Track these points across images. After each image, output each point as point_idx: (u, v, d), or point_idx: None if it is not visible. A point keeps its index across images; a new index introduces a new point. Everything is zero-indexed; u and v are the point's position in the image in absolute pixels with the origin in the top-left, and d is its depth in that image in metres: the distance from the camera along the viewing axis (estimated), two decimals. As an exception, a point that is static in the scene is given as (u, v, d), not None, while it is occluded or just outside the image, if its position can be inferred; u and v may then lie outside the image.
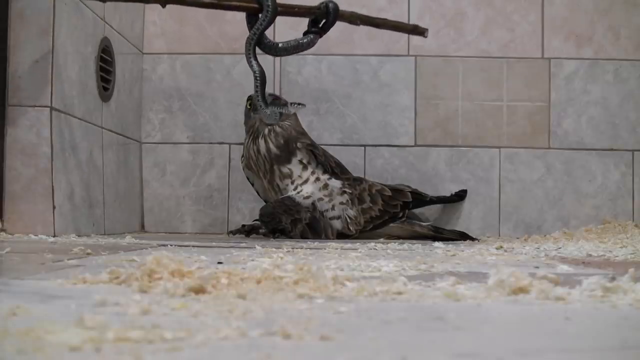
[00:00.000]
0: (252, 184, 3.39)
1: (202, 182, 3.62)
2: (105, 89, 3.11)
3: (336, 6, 2.82)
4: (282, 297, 1.06)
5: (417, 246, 2.46)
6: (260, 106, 2.85)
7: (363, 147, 3.59)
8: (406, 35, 3.59)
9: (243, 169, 3.38)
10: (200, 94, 3.62)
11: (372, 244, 2.48)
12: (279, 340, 0.78)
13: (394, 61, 3.61)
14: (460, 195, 3.53)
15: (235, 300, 1.03)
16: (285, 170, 3.19)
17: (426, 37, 2.99)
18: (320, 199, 3.15)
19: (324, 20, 2.85)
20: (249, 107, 3.24)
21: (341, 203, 3.16)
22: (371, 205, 3.20)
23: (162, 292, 1.08)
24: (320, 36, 2.83)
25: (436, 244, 2.62)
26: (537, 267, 1.61)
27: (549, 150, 3.57)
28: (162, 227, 3.60)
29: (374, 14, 3.59)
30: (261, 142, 3.19)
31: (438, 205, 3.56)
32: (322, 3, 2.85)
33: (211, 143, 3.62)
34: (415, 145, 3.58)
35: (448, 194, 3.53)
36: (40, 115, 2.57)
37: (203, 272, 1.16)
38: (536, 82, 3.58)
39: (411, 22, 3.59)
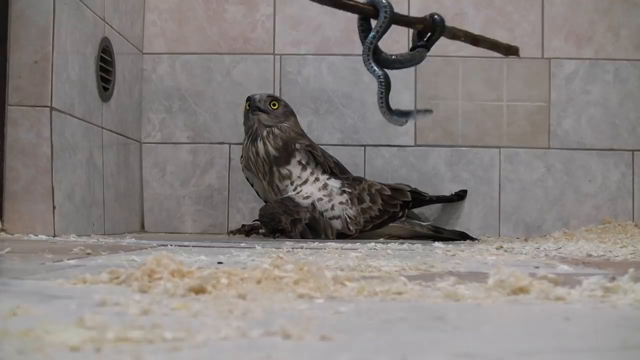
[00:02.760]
0: (252, 185, 3.39)
1: (202, 182, 3.62)
2: (105, 89, 3.11)
3: (443, 19, 2.77)
4: (282, 297, 1.06)
5: (417, 246, 2.46)
6: (385, 112, 2.72)
7: (363, 147, 3.59)
8: (406, 35, 3.59)
9: (242, 170, 3.38)
10: (200, 94, 3.62)
11: (372, 244, 2.48)
12: (279, 340, 0.78)
13: (394, 61, 3.59)
14: (460, 195, 3.53)
15: (235, 300, 1.03)
16: (284, 171, 3.19)
17: (520, 57, 2.97)
18: (320, 199, 3.15)
19: (429, 34, 2.79)
20: (247, 108, 3.24)
21: (341, 203, 3.16)
22: (371, 204, 3.20)
23: (162, 292, 1.08)
24: (428, 50, 2.78)
25: (436, 244, 2.62)
26: (537, 267, 1.61)
27: (549, 150, 3.57)
28: (162, 227, 3.60)
29: (374, 14, 3.60)
30: (260, 144, 3.19)
31: (438, 205, 3.56)
32: (429, 15, 2.81)
33: (211, 143, 3.62)
34: (415, 145, 3.58)
35: (448, 194, 3.53)
36: (40, 115, 2.57)
37: (203, 272, 1.16)
38: (536, 82, 3.58)
39: (411, 22, 3.59)
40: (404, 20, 2.69)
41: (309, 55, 3.61)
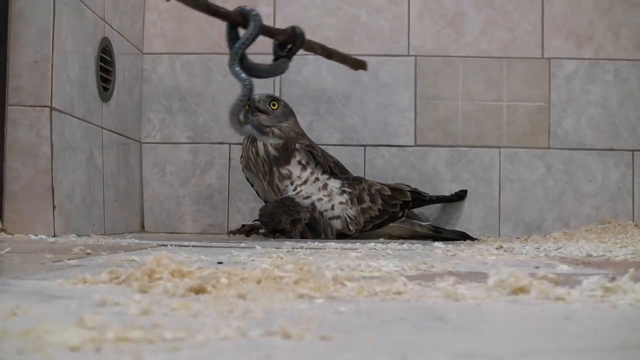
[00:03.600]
0: (252, 185, 3.39)
1: (202, 182, 3.62)
2: (105, 89, 3.11)
3: (303, 32, 2.82)
4: (282, 297, 1.06)
5: (417, 246, 2.46)
6: (235, 119, 2.73)
7: (363, 147, 3.59)
8: (406, 35, 3.59)
9: (242, 170, 3.38)
10: (200, 94, 3.62)
11: (372, 244, 2.48)
12: (279, 340, 0.77)
13: (394, 61, 3.61)
14: (461, 195, 3.53)
15: (235, 300, 1.03)
16: (284, 171, 3.20)
17: (366, 70, 3.01)
18: (320, 199, 3.15)
19: (290, 45, 2.83)
20: (247, 108, 3.24)
21: (341, 203, 3.16)
22: (371, 204, 3.20)
23: (162, 292, 1.08)
24: (290, 60, 2.83)
25: (436, 244, 2.62)
26: (537, 267, 1.61)
27: (549, 150, 3.57)
28: (162, 227, 3.60)
29: (373, 14, 3.61)
30: (260, 144, 3.20)
31: (438, 205, 3.56)
32: (291, 27, 2.84)
33: (211, 143, 3.62)
34: (415, 145, 3.58)
35: (448, 194, 3.53)
36: (40, 115, 2.57)
37: (203, 272, 1.16)
38: (536, 82, 3.58)
39: (411, 23, 3.60)
40: (269, 31, 2.75)
41: (309, 55, 3.60)
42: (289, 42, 2.77)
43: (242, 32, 2.70)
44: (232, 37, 2.75)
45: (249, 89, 2.62)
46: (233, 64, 2.66)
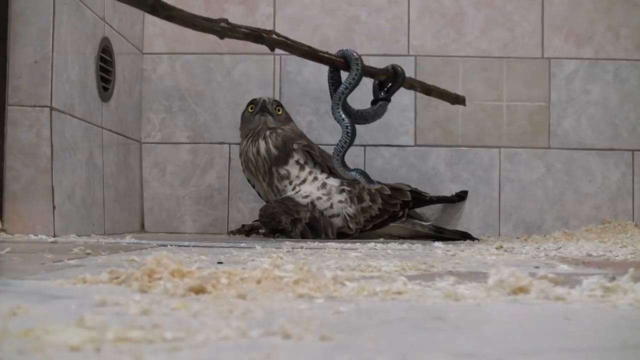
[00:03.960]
0: (253, 186, 3.40)
1: (202, 182, 3.62)
2: (105, 89, 3.11)
3: (403, 70, 2.80)
4: (282, 297, 1.06)
5: (417, 246, 2.46)
6: (339, 163, 2.69)
7: (363, 147, 3.59)
8: (406, 35, 3.59)
9: (243, 171, 3.38)
10: (200, 94, 3.62)
11: (372, 244, 2.48)
12: (279, 340, 0.77)
13: (394, 61, 3.59)
14: (461, 196, 3.53)
15: (235, 300, 1.03)
16: (282, 171, 3.21)
17: (465, 105, 3.02)
18: (319, 198, 3.15)
19: (389, 84, 2.81)
20: (250, 110, 3.26)
21: (340, 201, 3.17)
22: (370, 204, 3.20)
23: (162, 292, 1.08)
24: (389, 102, 2.81)
25: (436, 244, 2.62)
26: (537, 267, 1.61)
27: (549, 150, 3.57)
28: (162, 227, 3.60)
29: (373, 13, 3.61)
30: (261, 142, 3.21)
31: (438, 205, 3.56)
32: (391, 66, 2.80)
33: (211, 143, 3.62)
34: (415, 145, 3.58)
35: (448, 194, 3.53)
36: (40, 115, 2.57)
37: (203, 272, 1.16)
38: (536, 82, 3.58)
39: (411, 23, 3.60)
40: (369, 72, 2.75)
41: (309, 55, 3.60)
42: (389, 81, 2.77)
43: (344, 74, 2.72)
44: (334, 80, 2.74)
45: (350, 135, 2.62)
46: (337, 108, 2.65)
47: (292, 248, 2.21)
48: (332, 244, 2.48)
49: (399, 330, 0.87)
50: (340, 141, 2.67)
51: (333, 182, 3.20)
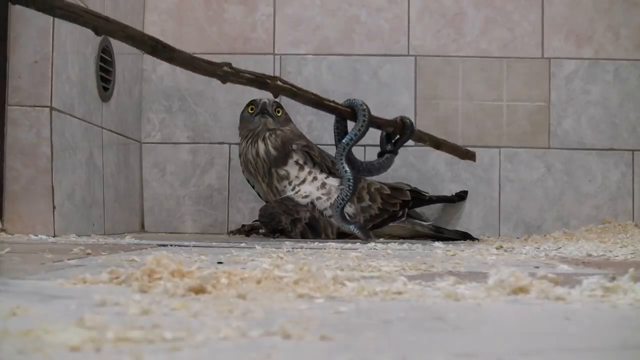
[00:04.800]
0: (253, 187, 3.40)
1: (202, 182, 3.62)
2: (105, 89, 3.11)
3: (412, 123, 2.74)
4: (282, 297, 1.06)
5: (417, 246, 2.46)
6: (338, 214, 2.65)
7: (363, 147, 3.59)
8: (406, 35, 3.60)
9: (243, 172, 3.38)
10: (200, 94, 3.62)
11: (372, 244, 2.48)
12: (279, 340, 0.77)
13: (393, 61, 3.61)
14: (461, 196, 3.53)
15: (235, 300, 1.03)
16: (282, 172, 3.21)
17: (475, 161, 3.00)
18: (319, 198, 3.16)
19: (397, 137, 2.74)
20: (250, 111, 3.26)
21: (340, 202, 3.17)
22: (370, 203, 3.20)
23: (162, 292, 1.08)
24: (396, 155, 2.74)
25: (436, 243, 2.62)
26: (537, 267, 1.61)
27: (549, 150, 3.57)
28: (162, 227, 3.60)
29: (373, 14, 3.61)
30: (261, 144, 3.22)
31: (438, 205, 3.56)
32: (399, 118, 2.76)
33: (211, 143, 3.62)
34: (415, 145, 3.58)
35: (448, 194, 3.53)
36: (40, 115, 2.57)
37: (203, 272, 1.16)
38: (536, 82, 3.58)
39: (411, 23, 3.60)
40: (377, 123, 2.69)
41: (309, 55, 3.61)
42: (397, 133, 2.72)
43: (350, 124, 2.66)
44: (340, 130, 2.67)
45: (352, 188, 2.58)
46: (340, 159, 2.60)
47: (292, 248, 2.21)
48: (332, 244, 2.48)
49: (399, 330, 0.87)
50: (341, 193, 2.63)
51: (333, 181, 3.20)
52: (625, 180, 3.55)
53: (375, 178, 3.39)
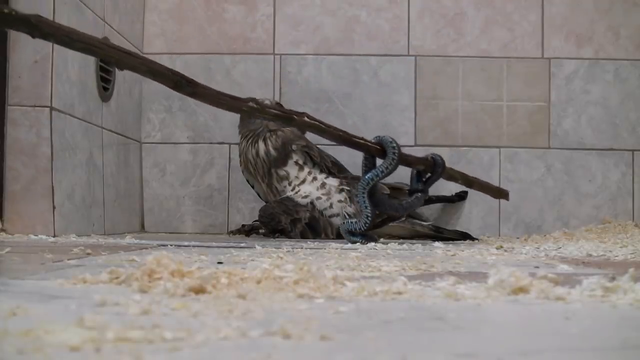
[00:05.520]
0: (252, 187, 3.40)
1: (202, 182, 3.62)
2: (105, 89, 3.11)
3: (443, 161, 2.67)
4: (282, 297, 1.06)
5: (417, 246, 2.46)
6: (350, 238, 2.59)
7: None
8: (406, 35, 3.60)
9: (242, 172, 3.38)
10: (200, 94, 3.62)
11: (372, 244, 2.48)
12: (279, 340, 0.77)
13: (393, 61, 3.61)
14: (461, 196, 3.53)
15: (235, 300, 1.03)
16: (282, 172, 3.21)
17: (508, 200, 2.94)
18: (319, 198, 3.16)
19: (428, 175, 2.67)
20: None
21: (339, 201, 3.17)
22: (370, 204, 3.20)
23: (162, 292, 1.08)
24: (426, 194, 2.67)
25: (436, 244, 2.62)
26: (537, 267, 1.61)
27: (549, 150, 3.57)
28: (162, 227, 3.60)
29: (373, 14, 3.61)
30: (261, 144, 3.22)
31: (438, 205, 3.56)
32: (430, 155, 2.70)
33: (211, 143, 3.62)
34: (415, 145, 3.58)
35: (449, 194, 3.53)
36: (40, 115, 2.57)
37: (203, 272, 1.16)
38: (536, 82, 3.58)
39: (411, 23, 3.60)
40: (407, 160, 2.61)
41: (309, 55, 3.61)
42: (428, 171, 2.66)
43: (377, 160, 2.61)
44: (368, 167, 2.60)
45: (368, 223, 2.50)
46: (362, 193, 2.53)
47: (292, 248, 2.21)
48: (332, 244, 2.48)
49: (399, 330, 0.87)
50: (356, 221, 2.56)
51: (332, 181, 3.20)
52: (625, 180, 3.55)
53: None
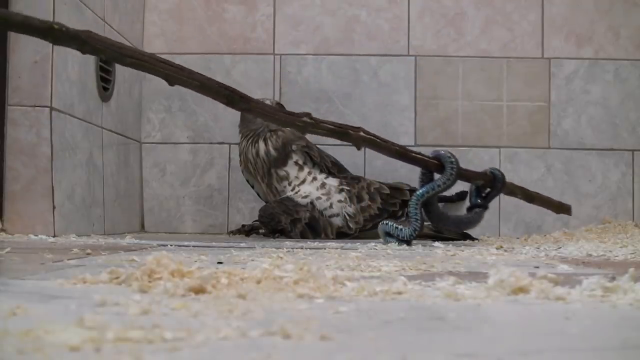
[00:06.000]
0: (252, 187, 3.40)
1: (202, 182, 3.62)
2: (105, 89, 3.11)
3: (503, 175, 2.62)
4: (282, 297, 1.06)
5: (417, 246, 2.46)
6: (385, 237, 2.54)
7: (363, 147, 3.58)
8: (406, 35, 3.60)
9: (242, 172, 3.38)
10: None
11: (372, 244, 2.48)
12: (279, 340, 0.77)
13: (393, 61, 3.61)
14: (461, 196, 3.53)
15: (235, 300, 1.03)
16: (282, 172, 3.21)
17: (570, 215, 2.89)
18: (319, 198, 3.16)
19: (487, 190, 2.63)
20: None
21: (339, 201, 3.17)
22: (370, 203, 3.20)
23: (162, 292, 1.08)
24: (486, 209, 2.62)
25: (436, 243, 2.62)
26: (537, 267, 1.61)
27: (549, 150, 3.57)
28: (162, 227, 3.60)
29: (373, 14, 3.61)
30: (261, 144, 3.21)
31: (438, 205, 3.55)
32: (489, 170, 2.65)
33: (211, 143, 3.62)
34: (415, 145, 3.58)
35: (448, 194, 3.52)
36: (40, 115, 2.57)
37: (203, 272, 1.16)
38: (536, 82, 3.58)
39: (411, 23, 3.60)
40: (465, 175, 2.56)
41: (309, 55, 3.61)
42: (487, 186, 2.61)
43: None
44: (425, 180, 2.58)
45: (413, 234, 2.44)
46: (415, 205, 2.49)
47: (292, 248, 2.21)
48: (332, 244, 2.47)
49: (399, 330, 0.87)
50: (401, 228, 2.48)
51: (332, 181, 3.20)
52: (625, 180, 3.55)
53: (374, 178, 3.39)
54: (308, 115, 2.33)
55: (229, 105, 2.17)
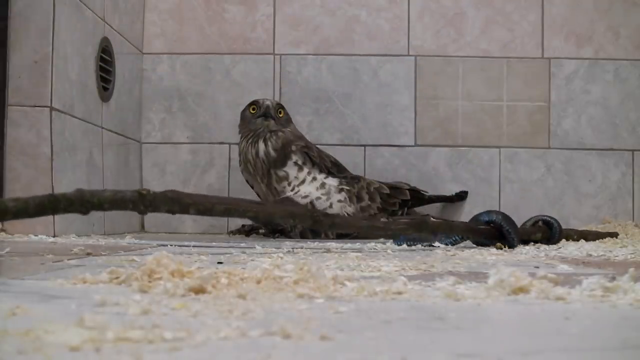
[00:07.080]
0: (252, 187, 3.40)
1: (202, 182, 3.62)
2: (105, 89, 3.11)
3: (557, 222, 2.57)
4: (282, 297, 1.06)
5: (417, 246, 2.46)
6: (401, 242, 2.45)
7: (363, 147, 3.59)
8: (406, 35, 3.60)
9: (242, 172, 3.38)
10: (200, 94, 3.62)
11: (372, 244, 2.48)
12: (279, 340, 0.77)
13: (393, 61, 3.61)
14: (461, 196, 3.53)
15: (235, 300, 1.03)
16: (281, 173, 3.21)
17: (617, 238, 2.82)
18: (318, 198, 3.16)
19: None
20: (252, 111, 3.25)
21: (339, 201, 3.17)
22: (370, 203, 3.20)
23: (162, 292, 1.08)
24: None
25: (436, 243, 2.62)
26: (537, 267, 1.61)
27: (549, 150, 3.57)
28: (162, 227, 3.60)
29: (373, 14, 3.61)
30: (261, 144, 3.21)
31: (438, 205, 3.56)
32: (540, 221, 2.59)
33: (211, 143, 3.62)
34: (415, 145, 3.59)
35: (448, 194, 3.53)
36: (40, 115, 2.57)
37: (203, 272, 1.16)
38: (536, 82, 3.58)
39: (411, 22, 3.60)
40: (526, 234, 2.53)
41: (309, 55, 3.61)
42: (545, 237, 2.55)
43: None
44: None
45: (452, 243, 2.39)
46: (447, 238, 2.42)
47: (292, 248, 2.21)
48: (332, 244, 2.48)
49: (399, 330, 0.87)
50: (444, 237, 2.42)
51: (332, 181, 3.20)
52: (625, 180, 3.55)
53: (374, 178, 3.39)
54: (385, 214, 2.53)
55: (315, 226, 2.25)
